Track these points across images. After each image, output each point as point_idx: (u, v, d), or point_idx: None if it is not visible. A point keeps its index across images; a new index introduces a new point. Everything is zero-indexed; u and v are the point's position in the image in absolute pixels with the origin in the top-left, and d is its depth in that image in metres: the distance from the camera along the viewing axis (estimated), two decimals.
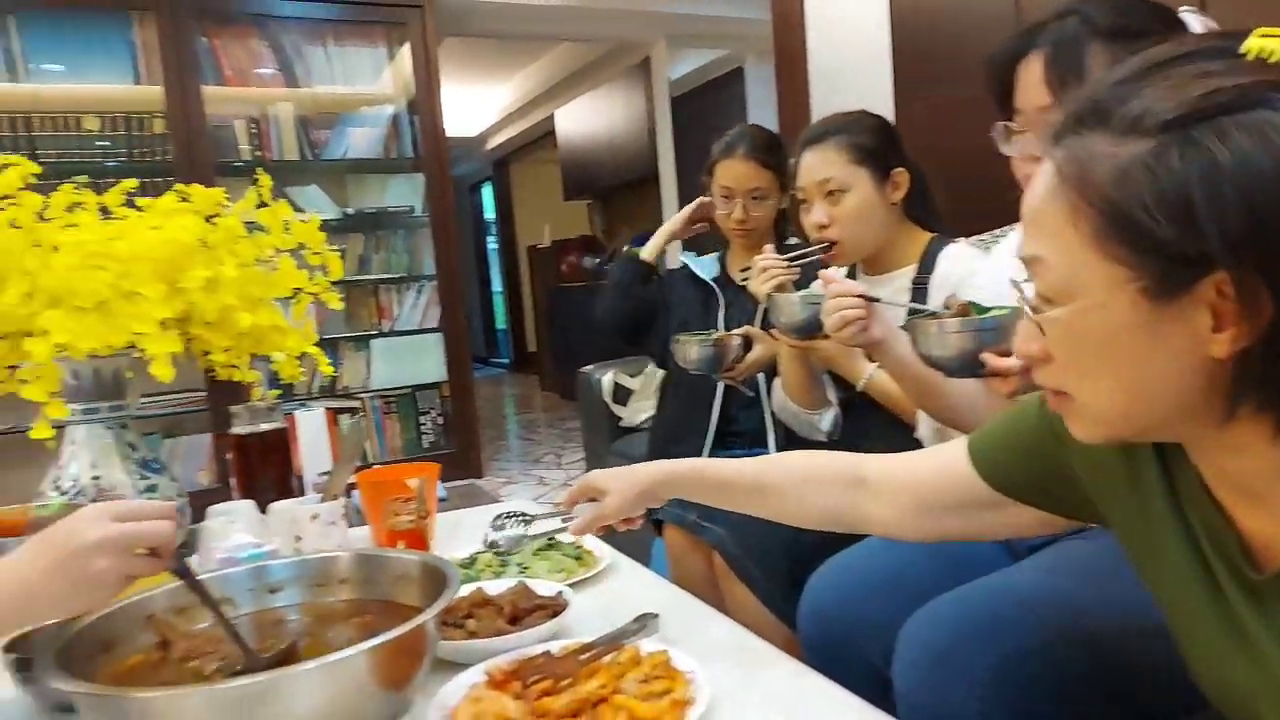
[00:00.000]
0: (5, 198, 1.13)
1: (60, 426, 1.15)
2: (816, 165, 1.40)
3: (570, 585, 1.10)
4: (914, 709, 0.86)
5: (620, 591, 1.14)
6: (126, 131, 3.42)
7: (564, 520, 1.05)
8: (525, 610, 0.99)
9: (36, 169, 1.17)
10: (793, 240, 1.84)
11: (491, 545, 1.19)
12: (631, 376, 2.74)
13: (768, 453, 1.73)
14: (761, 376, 1.77)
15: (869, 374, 1.37)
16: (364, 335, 4.02)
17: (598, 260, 6.71)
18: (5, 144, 3.25)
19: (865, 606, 1.04)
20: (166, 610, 0.90)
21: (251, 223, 1.33)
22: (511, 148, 8.70)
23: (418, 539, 1.27)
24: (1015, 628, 0.85)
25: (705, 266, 1.97)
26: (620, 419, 2.65)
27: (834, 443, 1.47)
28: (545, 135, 7.64)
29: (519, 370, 9.49)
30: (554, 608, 1.00)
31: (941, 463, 0.83)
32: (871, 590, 1.05)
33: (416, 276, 4.12)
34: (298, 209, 1.28)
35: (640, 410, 2.60)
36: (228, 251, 1.23)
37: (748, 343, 1.67)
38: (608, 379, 2.69)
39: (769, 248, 1.61)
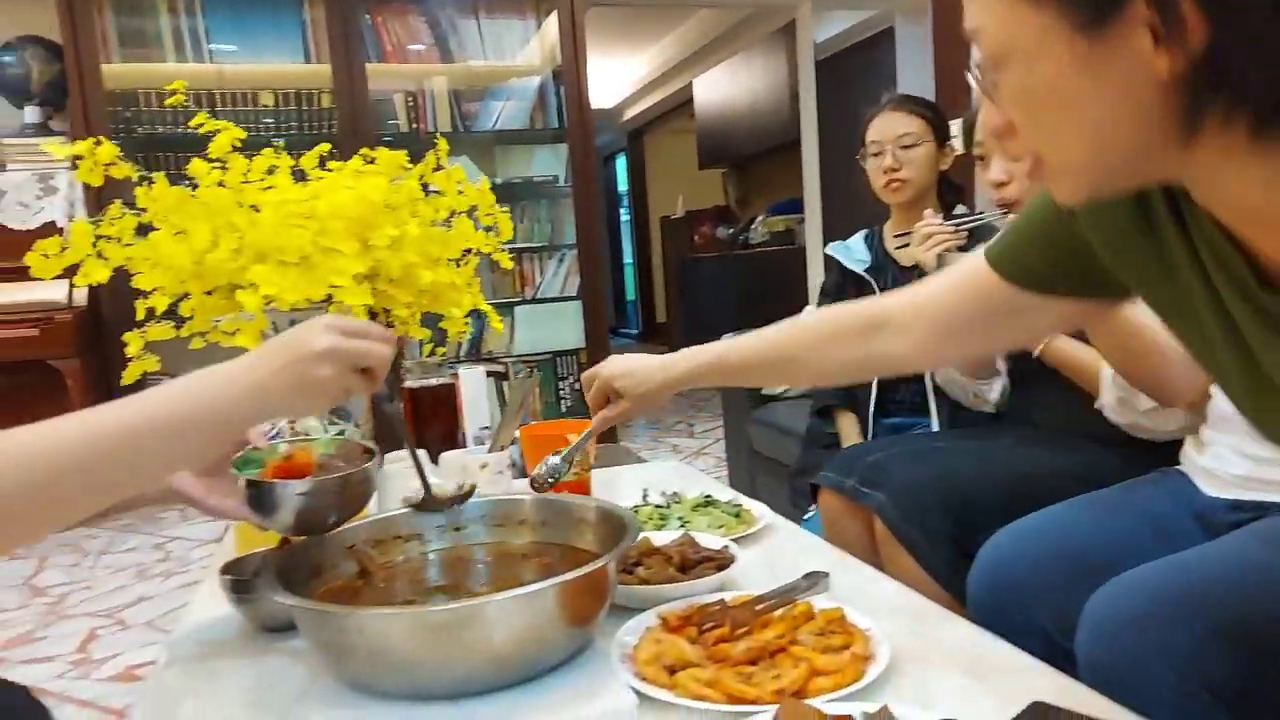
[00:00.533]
0: (216, 161, 1.23)
1: None
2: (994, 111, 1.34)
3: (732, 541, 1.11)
4: (1102, 679, 0.83)
5: (781, 549, 1.15)
6: (297, 106, 3.64)
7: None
8: (693, 560, 1.01)
9: (242, 134, 1.26)
10: (960, 210, 1.77)
11: (535, 480, 1.15)
12: None
13: (930, 425, 1.68)
14: None
15: (1047, 338, 1.31)
16: (508, 302, 4.16)
17: (731, 230, 6.66)
18: (190, 117, 3.52)
19: (1044, 575, 1.01)
20: (366, 542, 0.97)
21: (424, 187, 1.40)
22: (647, 119, 8.73)
23: (579, 490, 1.31)
24: (1219, 602, 0.81)
25: (853, 251, 1.92)
26: (761, 388, 2.64)
27: (1003, 415, 1.41)
28: (682, 105, 7.62)
29: (647, 340, 9.59)
30: (721, 560, 1.01)
31: (959, 280, 0.84)
32: (1052, 559, 1.01)
33: (558, 246, 4.22)
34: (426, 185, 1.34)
35: None
36: (409, 212, 1.30)
37: None
38: None
39: (928, 213, 1.56)
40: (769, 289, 5.51)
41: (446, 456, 1.51)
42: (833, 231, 4.50)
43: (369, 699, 0.77)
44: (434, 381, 1.64)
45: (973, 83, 0.60)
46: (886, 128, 1.74)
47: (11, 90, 3.59)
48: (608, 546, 0.92)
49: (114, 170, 1.13)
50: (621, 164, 9.98)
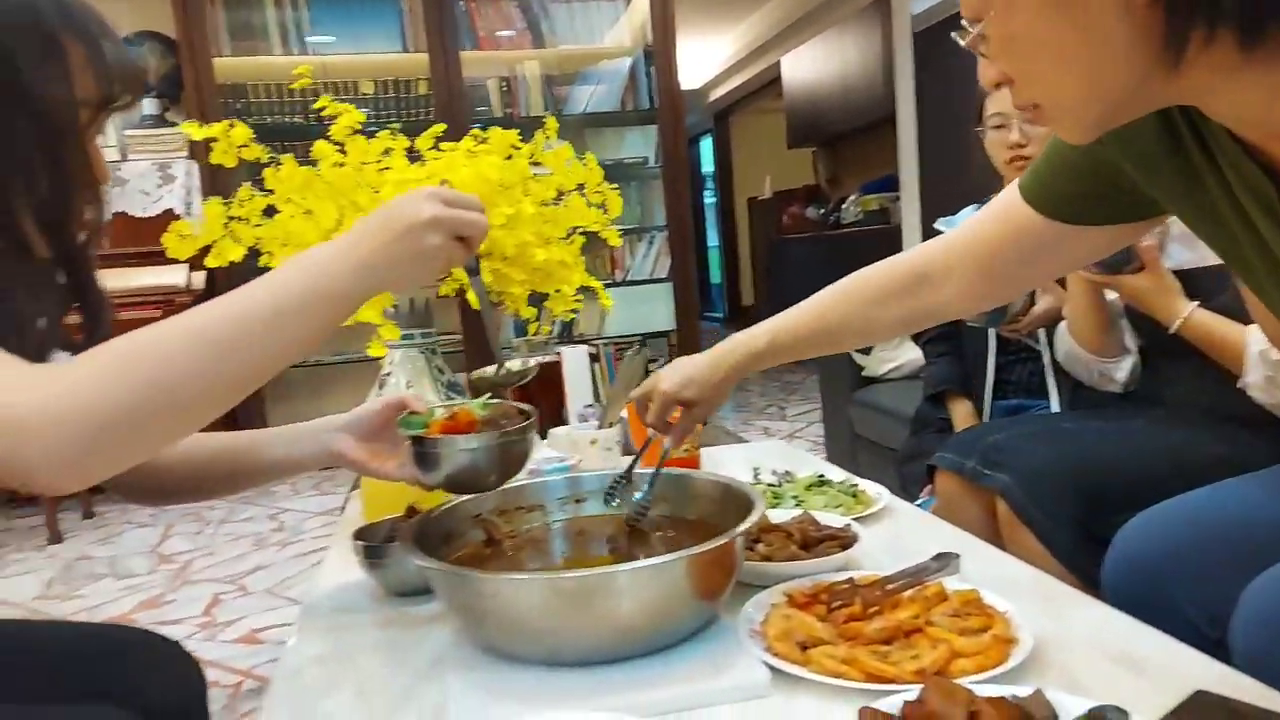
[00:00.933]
0: (338, 143, 1.27)
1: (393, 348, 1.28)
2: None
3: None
4: (1261, 671, 0.78)
5: (902, 531, 1.12)
6: (395, 94, 3.73)
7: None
8: (815, 539, 0.99)
9: (361, 117, 1.29)
10: None
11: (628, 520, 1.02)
12: None
13: (1049, 406, 1.62)
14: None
15: (1187, 312, 1.24)
16: (582, 287, 4.18)
17: (821, 210, 6.53)
18: (296, 107, 3.65)
19: (1188, 562, 0.96)
20: (492, 512, 0.99)
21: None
22: (732, 99, 8.63)
23: (690, 466, 1.31)
24: None
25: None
26: (863, 369, 2.59)
27: (1131, 394, 1.35)
28: (768, 84, 7.50)
29: (732, 324, 9.53)
30: (844, 539, 1.00)
31: (993, 219, 0.85)
32: (1198, 545, 0.96)
33: (647, 228, 4.22)
34: (534, 164, 1.35)
35: (885, 360, 2.52)
36: (522, 191, 1.31)
37: (1031, 294, 1.56)
38: None
39: None
40: (861, 269, 5.39)
41: (555, 432, 1.54)
42: (930, 209, 4.37)
43: (502, 663, 0.78)
44: (542, 359, 1.67)
45: (960, 41, 0.60)
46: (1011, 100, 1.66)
47: None
48: (729, 521, 0.92)
49: (245, 153, 1.17)
50: (706, 145, 9.90)
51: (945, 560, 0.91)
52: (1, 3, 0.68)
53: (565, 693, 0.73)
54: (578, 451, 1.42)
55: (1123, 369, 1.35)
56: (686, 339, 4.26)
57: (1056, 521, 1.19)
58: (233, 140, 1.15)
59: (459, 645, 0.83)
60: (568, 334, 4.19)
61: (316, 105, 1.26)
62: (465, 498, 0.98)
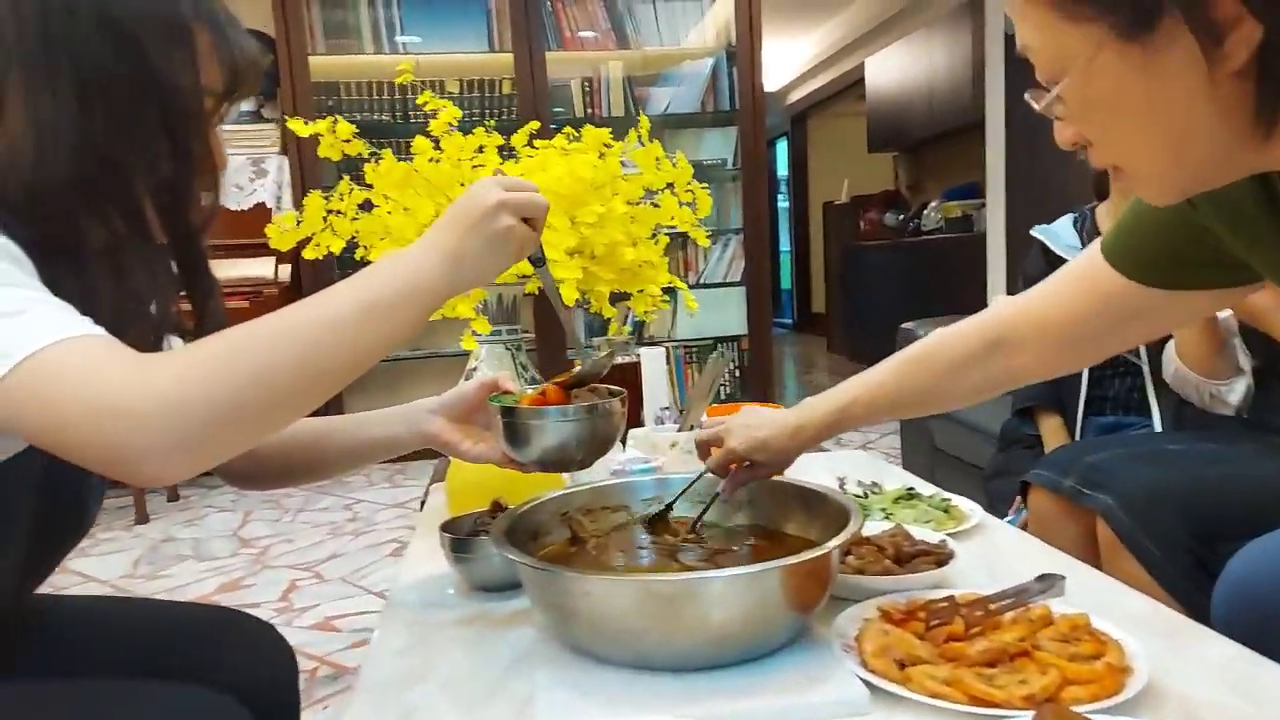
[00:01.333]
0: (434, 138, 1.28)
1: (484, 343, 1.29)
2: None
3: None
4: None
5: (998, 549, 1.08)
6: (480, 93, 3.79)
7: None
8: (909, 554, 0.96)
9: (458, 113, 1.31)
10: None
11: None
12: None
13: (1151, 425, 1.55)
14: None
15: None
16: (670, 286, 4.17)
17: (901, 216, 6.41)
18: (384, 105, 3.74)
19: None
20: (578, 510, 0.99)
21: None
22: (811, 101, 8.54)
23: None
24: None
25: (1060, 236, 1.78)
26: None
27: (1246, 419, 1.28)
28: (849, 86, 7.39)
29: (801, 331, 9.41)
30: (939, 555, 0.96)
31: (1077, 286, 0.81)
32: None
33: (723, 230, 4.19)
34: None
35: None
36: (611, 190, 1.31)
37: None
38: None
39: None
40: (942, 278, 5.26)
41: (634, 433, 1.53)
42: (1017, 217, 4.24)
43: (591, 664, 0.78)
44: (621, 360, 1.66)
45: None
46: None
47: None
48: (822, 531, 0.90)
49: (348, 148, 1.20)
50: (782, 148, 9.81)
51: (1049, 582, 0.87)
52: None
53: (654, 697, 0.72)
54: (657, 453, 1.41)
55: (1236, 391, 1.28)
56: (758, 345, 4.22)
57: (1165, 548, 1.13)
58: (338, 136, 1.18)
59: (546, 642, 0.83)
60: (639, 335, 4.19)
61: (419, 100, 1.28)
62: (551, 495, 0.98)
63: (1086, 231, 1.76)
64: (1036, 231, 1.81)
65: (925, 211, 5.79)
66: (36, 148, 0.66)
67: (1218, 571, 1.00)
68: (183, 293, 0.80)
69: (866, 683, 0.72)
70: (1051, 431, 1.72)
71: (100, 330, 0.60)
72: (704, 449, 1.01)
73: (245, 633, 0.95)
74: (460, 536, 1.01)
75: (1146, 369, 1.57)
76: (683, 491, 0.99)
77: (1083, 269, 0.80)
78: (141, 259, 0.73)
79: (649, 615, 0.73)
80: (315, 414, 0.96)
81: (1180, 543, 1.13)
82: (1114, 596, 0.94)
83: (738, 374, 4.30)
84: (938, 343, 0.92)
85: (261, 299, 3.48)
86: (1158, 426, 1.54)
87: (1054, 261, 1.77)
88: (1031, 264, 1.83)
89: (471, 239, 0.73)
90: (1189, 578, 1.12)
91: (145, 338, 0.72)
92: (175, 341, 0.82)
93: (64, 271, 0.67)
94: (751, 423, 0.96)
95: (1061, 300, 0.82)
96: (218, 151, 0.78)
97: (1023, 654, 0.75)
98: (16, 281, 0.61)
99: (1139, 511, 1.15)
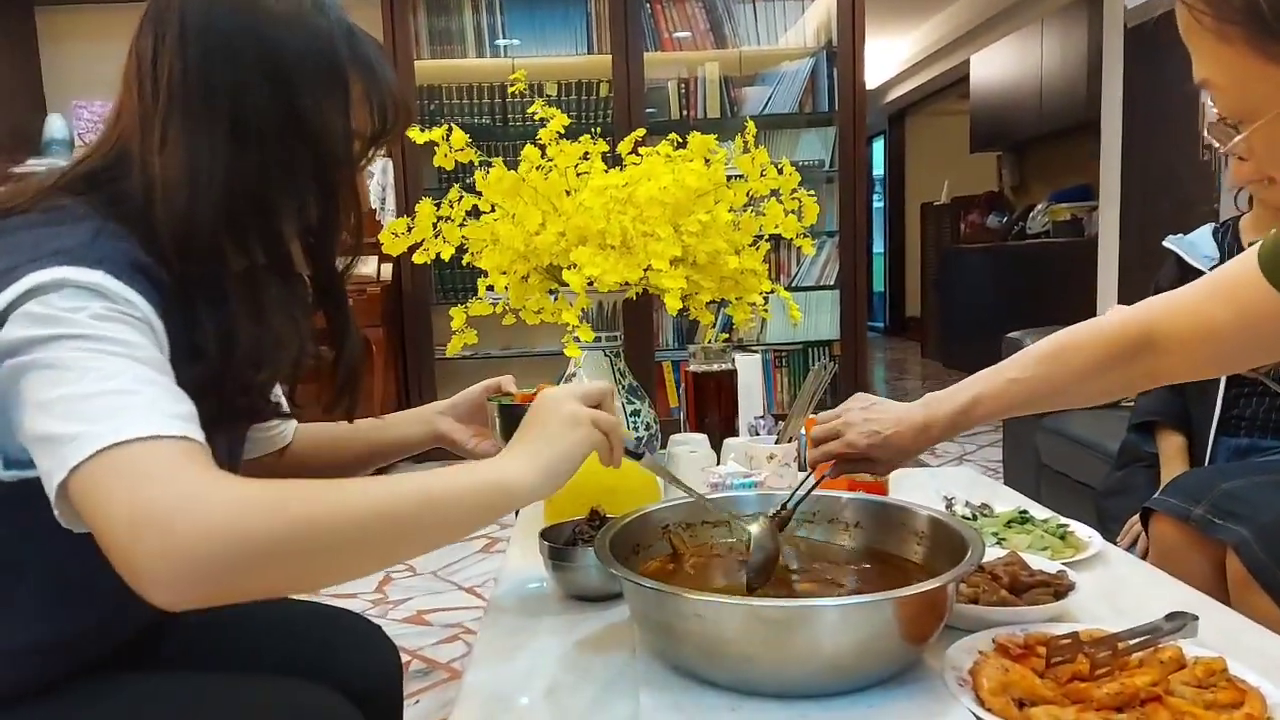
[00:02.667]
0: (541, 145, 1.29)
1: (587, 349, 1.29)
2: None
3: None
4: None
5: (1121, 581, 1.02)
6: (577, 96, 3.82)
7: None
8: (1026, 584, 0.92)
9: (566, 120, 1.31)
10: None
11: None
12: None
13: None
14: None
15: None
16: (770, 292, 4.12)
17: (1004, 219, 6.18)
18: (485, 109, 3.81)
19: None
20: (678, 525, 0.98)
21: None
22: (909, 100, 8.32)
23: (877, 491, 1.25)
24: None
25: (1198, 246, 1.67)
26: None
27: None
28: (951, 85, 7.17)
29: (894, 335, 9.19)
30: (1058, 586, 0.92)
31: (1228, 299, 0.78)
32: None
33: (818, 233, 4.11)
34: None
35: None
36: (714, 198, 1.30)
37: None
38: None
39: None
40: (1046, 284, 5.05)
41: (730, 443, 1.51)
42: (1132, 221, 4.03)
43: (694, 685, 0.77)
44: (717, 367, 1.64)
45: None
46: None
47: None
48: (937, 560, 0.86)
49: (461, 156, 1.22)
50: (878, 148, 9.59)
51: (1181, 621, 0.82)
52: (298, 28, 0.70)
53: None
54: (754, 465, 1.38)
55: None
56: (853, 351, 4.13)
57: None
58: (452, 145, 1.20)
59: (648, 660, 0.82)
60: (729, 340, 4.16)
61: (531, 110, 1.29)
62: (652, 508, 0.97)
63: (1228, 245, 1.66)
64: (1170, 242, 1.71)
65: (1031, 214, 5.56)
66: (191, 189, 0.67)
67: None
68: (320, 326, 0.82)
69: None
70: (1172, 452, 1.62)
71: (197, 435, 0.58)
72: (820, 439, 0.96)
73: (357, 634, 0.97)
74: (559, 545, 1.01)
75: None
76: (795, 504, 0.95)
77: (1235, 281, 0.76)
78: (283, 296, 0.74)
79: (758, 641, 0.72)
80: (329, 419, 1.00)
81: None
82: (1248, 638, 0.87)
83: (829, 380, 4.21)
84: (1072, 340, 0.89)
85: (365, 297, 3.60)
86: None
87: (1188, 274, 1.67)
88: (1165, 277, 1.73)
89: (544, 434, 0.75)
90: None
91: (280, 370, 0.74)
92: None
93: (204, 311, 0.69)
94: (873, 416, 0.93)
95: (1209, 315, 0.79)
96: (363, 194, 0.79)
97: (1154, 699, 0.70)
98: (145, 359, 0.59)
99: (1276, 545, 1.07)
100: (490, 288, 1.26)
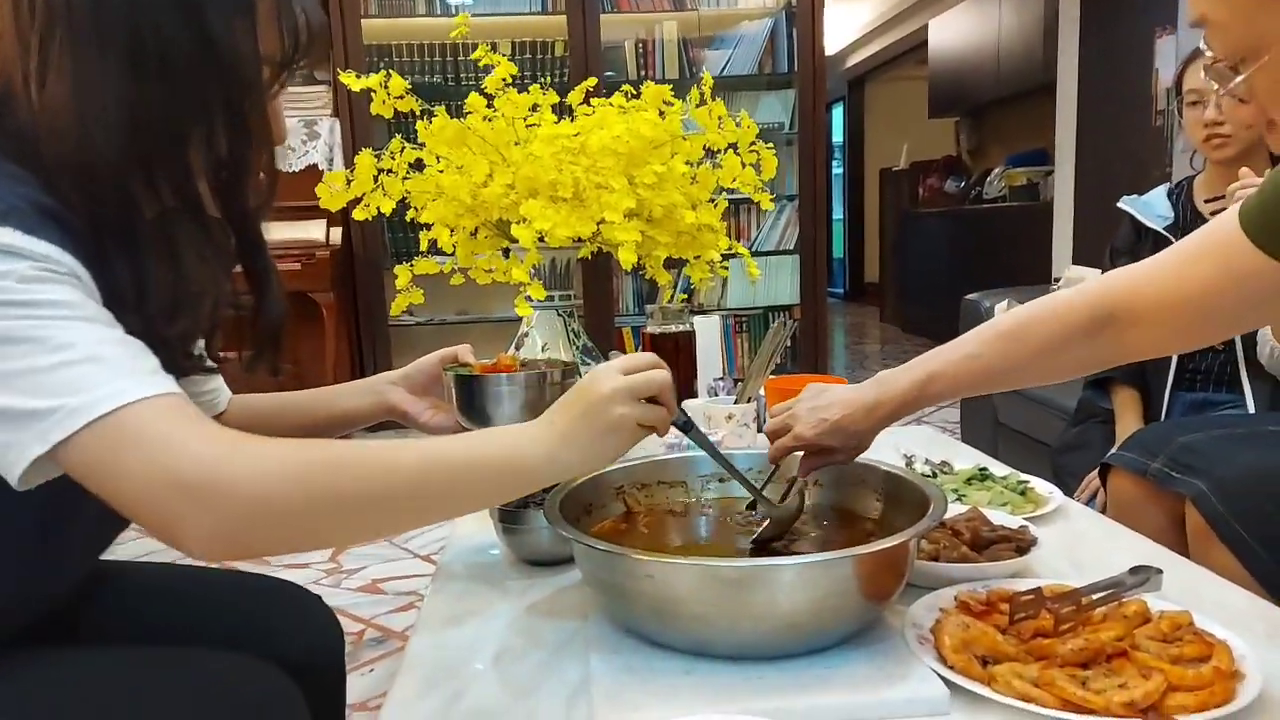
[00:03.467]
0: (488, 95, 1.23)
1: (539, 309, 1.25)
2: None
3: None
4: None
5: (1081, 536, 1.01)
6: (532, 55, 3.72)
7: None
8: (987, 539, 0.90)
9: (514, 69, 1.25)
10: None
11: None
12: None
13: (1242, 402, 1.45)
14: None
15: None
16: (728, 252, 4.09)
17: (961, 183, 6.20)
18: (436, 68, 3.69)
19: None
20: (631, 485, 0.94)
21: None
22: (869, 66, 8.30)
23: None
24: None
25: (1153, 207, 1.67)
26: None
27: None
28: (910, 50, 7.16)
29: (853, 300, 9.24)
30: (1020, 541, 0.90)
31: (1207, 261, 0.74)
32: None
33: (778, 197, 4.08)
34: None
35: None
36: (671, 150, 1.25)
37: None
38: (1001, 308, 2.44)
39: (1244, 171, 1.33)
40: (1003, 247, 5.09)
41: (688, 404, 1.48)
42: (1087, 185, 4.06)
43: (646, 648, 0.74)
44: (676, 328, 1.60)
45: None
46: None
47: None
48: (896, 516, 0.84)
49: (401, 104, 1.15)
50: (838, 114, 9.57)
51: (1145, 574, 0.81)
52: None
53: (717, 690, 0.67)
54: (713, 426, 1.35)
55: None
56: (812, 314, 4.13)
57: (1262, 539, 1.05)
58: (390, 92, 1.13)
59: (601, 624, 0.79)
60: (688, 304, 4.12)
61: (474, 56, 1.23)
62: (606, 470, 0.94)
63: (1183, 205, 1.65)
64: (1125, 203, 1.70)
65: (988, 179, 5.59)
66: (79, 121, 0.61)
67: None
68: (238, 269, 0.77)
69: (945, 680, 0.67)
70: (1127, 407, 1.62)
71: (175, 387, 0.59)
72: (773, 439, 0.93)
73: (295, 603, 0.93)
74: (509, 508, 0.97)
75: (1240, 346, 1.47)
76: (767, 482, 0.92)
77: (1214, 244, 0.73)
78: (196, 239, 0.69)
79: (713, 602, 0.69)
80: (278, 389, 0.96)
81: (1276, 533, 1.05)
82: (1211, 591, 0.87)
83: (789, 344, 4.21)
84: (1032, 315, 0.84)
85: (314, 261, 3.49)
86: (1250, 407, 1.44)
87: (1144, 233, 1.66)
88: (1120, 238, 1.73)
89: (581, 426, 0.71)
90: None
91: (199, 321, 0.69)
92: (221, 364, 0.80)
93: (116, 255, 0.63)
94: (820, 404, 0.88)
95: (1189, 276, 0.76)
96: (277, 124, 0.72)
97: (1120, 655, 0.69)
98: (90, 316, 0.58)
99: (1233, 499, 1.07)
100: (435, 243, 1.20)
